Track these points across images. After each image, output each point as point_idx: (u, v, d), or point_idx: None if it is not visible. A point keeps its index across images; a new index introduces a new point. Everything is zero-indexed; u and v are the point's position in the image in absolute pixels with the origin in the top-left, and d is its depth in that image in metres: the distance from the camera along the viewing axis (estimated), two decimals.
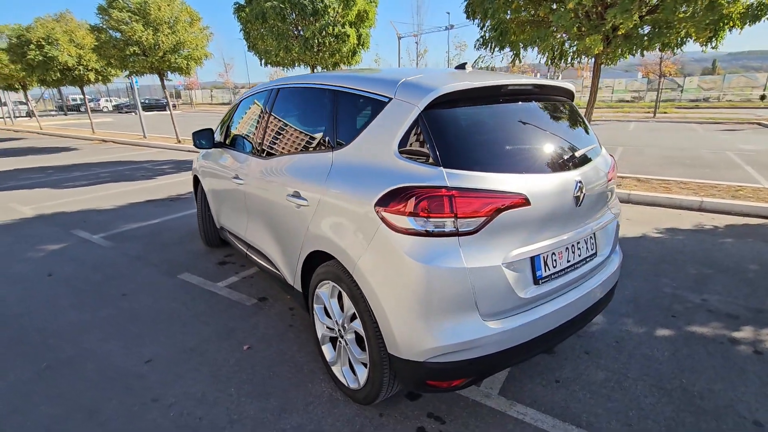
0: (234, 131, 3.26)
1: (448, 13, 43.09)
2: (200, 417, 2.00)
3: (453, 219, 1.55)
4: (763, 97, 27.44)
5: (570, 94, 2.24)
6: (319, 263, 2.14)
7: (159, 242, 4.44)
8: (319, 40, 7.92)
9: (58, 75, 14.36)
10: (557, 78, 10.72)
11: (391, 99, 1.80)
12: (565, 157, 1.88)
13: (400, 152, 1.71)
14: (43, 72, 14.13)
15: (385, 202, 1.64)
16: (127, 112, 36.03)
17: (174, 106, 36.73)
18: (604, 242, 2.13)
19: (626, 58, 6.19)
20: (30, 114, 21.96)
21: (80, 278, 3.58)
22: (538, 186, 1.70)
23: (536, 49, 6.10)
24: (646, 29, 5.54)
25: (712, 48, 5.42)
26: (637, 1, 4.77)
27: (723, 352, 2.43)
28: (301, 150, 2.33)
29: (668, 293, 3.12)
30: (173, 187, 7.15)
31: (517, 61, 6.29)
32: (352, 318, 1.95)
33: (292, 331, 2.73)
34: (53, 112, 40.99)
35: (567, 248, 1.88)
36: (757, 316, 2.80)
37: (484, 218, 1.58)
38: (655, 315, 2.83)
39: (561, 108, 2.15)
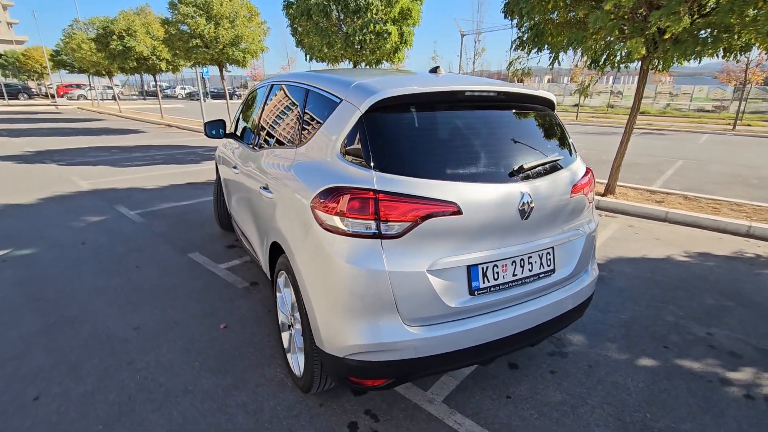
0: (239, 123, 3.46)
1: None
2: (161, 384, 2.18)
3: (376, 221, 1.58)
4: None
5: (549, 103, 2.15)
6: (280, 254, 2.25)
7: (184, 222, 4.80)
8: (360, 37, 8.04)
9: (135, 63, 15.82)
10: (617, 82, 10.01)
11: (342, 100, 1.84)
12: (515, 167, 1.82)
13: (343, 153, 1.75)
14: (122, 60, 15.64)
15: (319, 199, 1.69)
16: (197, 100, 38.75)
17: (239, 95, 38.88)
18: (566, 259, 2.02)
19: (681, 63, 5.68)
20: (115, 98, 24.31)
21: (107, 249, 3.99)
22: (474, 195, 1.66)
23: (578, 51, 5.80)
24: (704, 32, 5.05)
25: None
26: (685, 2, 4.36)
27: (707, 391, 2.22)
28: (276, 144, 2.44)
29: (670, 322, 2.88)
30: (214, 172, 7.65)
31: (556, 64, 5.99)
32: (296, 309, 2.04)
33: (270, 316, 2.87)
34: (134, 97, 45.13)
35: (514, 261, 1.82)
36: (766, 359, 2.51)
37: (410, 223, 1.58)
38: (644, 343, 2.63)
39: (534, 117, 2.07)
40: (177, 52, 12.46)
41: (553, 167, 1.97)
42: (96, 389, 2.13)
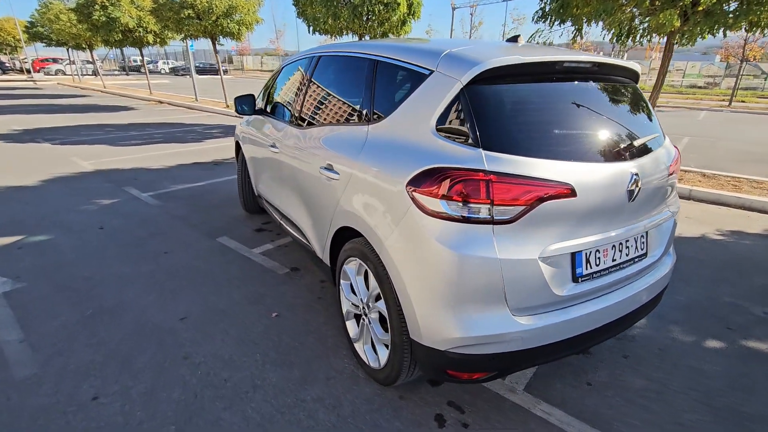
0: (274, 98, 3.23)
1: None
2: (225, 379, 2.05)
3: (489, 206, 1.44)
4: None
5: (635, 76, 2.00)
6: (347, 239, 2.11)
7: (202, 204, 4.58)
8: (369, 7, 7.68)
9: (120, 36, 14.99)
10: (623, 58, 9.88)
11: (432, 72, 1.67)
12: (622, 145, 1.69)
13: (438, 130, 1.59)
14: (106, 33, 14.79)
15: (417, 182, 1.54)
16: (182, 75, 37.32)
17: (225, 71, 37.60)
18: (657, 242, 1.93)
19: (705, 37, 5.53)
20: (95, 73, 23.22)
21: (127, 233, 3.78)
22: (588, 176, 1.53)
23: (601, 24, 5.60)
24: (732, 6, 4.90)
25: None
26: None
27: None
28: (337, 121, 2.25)
29: (727, 303, 2.84)
30: (219, 151, 7.36)
31: (578, 38, 5.78)
32: (377, 298, 1.91)
33: (320, 303, 2.74)
34: (116, 72, 43.27)
35: (614, 246, 1.71)
36: None
37: (523, 207, 1.45)
38: (708, 325, 2.59)
39: (623, 91, 1.92)
40: (167, 24, 11.81)
41: (652, 145, 1.84)
42: (156, 386, 1.99)
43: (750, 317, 2.68)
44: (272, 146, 2.96)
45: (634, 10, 5.03)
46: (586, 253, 1.64)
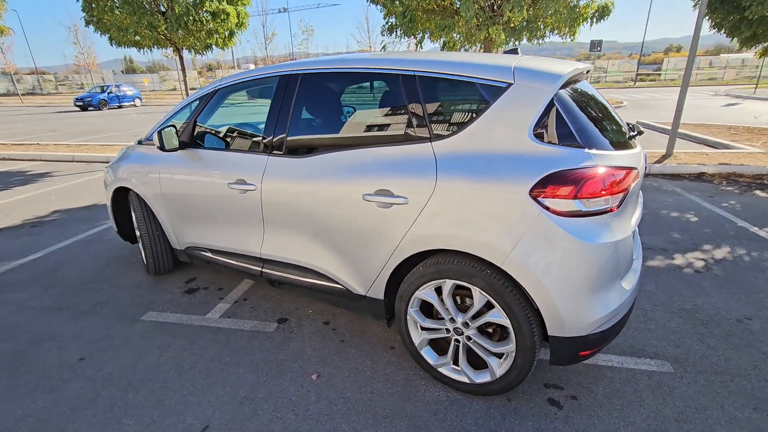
0: (221, 128, 2.65)
1: None
2: None
3: (609, 197, 1.66)
4: None
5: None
6: (410, 266, 2.01)
7: (67, 283, 3.32)
8: (194, 17, 6.82)
9: None
10: None
11: (510, 84, 1.76)
12: (628, 134, 2.12)
13: (536, 136, 1.71)
14: None
15: (542, 187, 1.63)
16: None
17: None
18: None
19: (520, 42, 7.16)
20: None
21: None
22: (633, 160, 1.90)
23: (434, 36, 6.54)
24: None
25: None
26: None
27: None
28: (371, 143, 2.06)
29: None
30: (23, 207, 5.32)
31: (420, 47, 6.60)
32: (476, 314, 1.90)
33: (348, 345, 2.46)
34: None
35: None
36: None
37: (623, 193, 1.72)
38: None
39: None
40: None
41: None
42: None
43: None
44: (238, 183, 2.44)
45: (467, 25, 6.08)
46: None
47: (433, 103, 1.93)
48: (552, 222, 1.63)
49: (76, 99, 23.88)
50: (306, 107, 2.32)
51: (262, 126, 2.43)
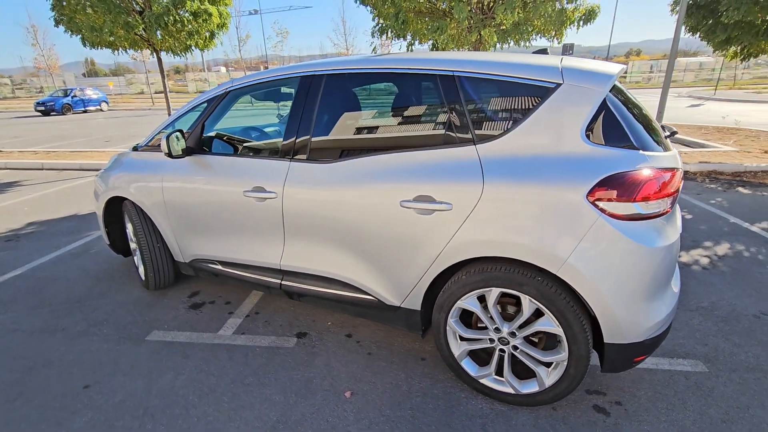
0: (233, 133, 2.49)
1: None
2: None
3: (663, 199, 1.63)
4: None
5: None
6: (450, 273, 1.93)
7: (57, 302, 3.06)
8: (175, 17, 6.54)
9: None
10: None
11: (559, 84, 1.71)
12: (665, 133, 2.12)
13: (588, 137, 1.66)
14: None
15: (600, 190, 1.58)
16: None
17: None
18: None
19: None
20: None
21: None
22: (666, 163, 1.87)
23: (423, 39, 6.51)
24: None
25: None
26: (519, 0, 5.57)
27: None
28: (405, 147, 1.97)
29: None
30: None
31: (411, 49, 6.55)
32: (523, 324, 1.84)
33: (377, 359, 2.35)
34: None
35: None
36: None
37: (675, 195, 1.70)
38: None
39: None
40: None
41: None
42: None
43: None
44: (256, 191, 2.29)
45: (458, 28, 6.07)
46: None
47: (474, 104, 1.85)
48: (611, 226, 1.58)
49: (37, 103, 22.55)
50: (332, 109, 2.20)
51: (278, 129, 2.30)
